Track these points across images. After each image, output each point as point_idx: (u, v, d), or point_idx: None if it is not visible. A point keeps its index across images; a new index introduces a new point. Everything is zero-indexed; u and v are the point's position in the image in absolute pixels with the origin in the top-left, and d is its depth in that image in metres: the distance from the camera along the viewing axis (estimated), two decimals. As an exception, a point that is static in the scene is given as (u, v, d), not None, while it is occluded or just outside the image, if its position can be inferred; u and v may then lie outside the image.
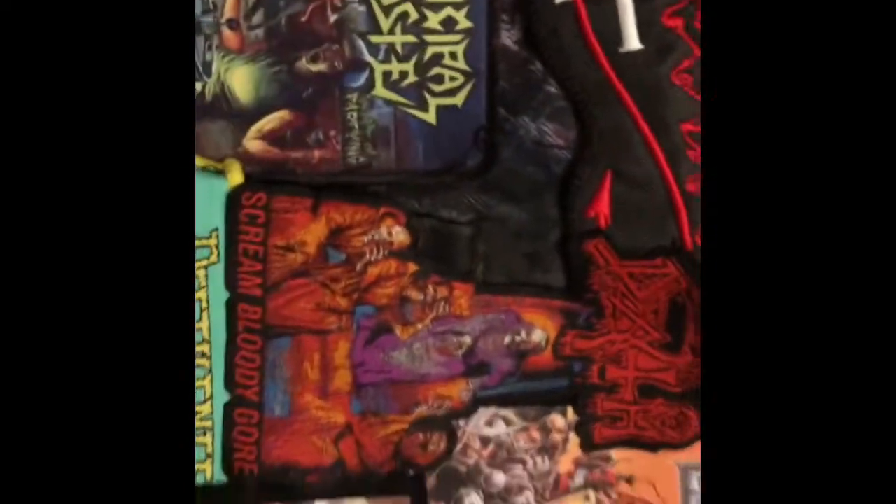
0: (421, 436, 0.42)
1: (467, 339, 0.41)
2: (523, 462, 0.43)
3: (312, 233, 0.39)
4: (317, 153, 0.39)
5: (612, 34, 0.38)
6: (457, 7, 0.38)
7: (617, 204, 0.40)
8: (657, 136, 0.39)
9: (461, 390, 0.42)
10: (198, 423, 0.40)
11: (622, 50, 0.38)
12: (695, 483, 0.44)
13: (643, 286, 0.41)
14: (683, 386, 0.42)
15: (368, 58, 0.38)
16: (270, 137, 0.39)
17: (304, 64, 0.38)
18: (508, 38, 0.39)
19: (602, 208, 0.40)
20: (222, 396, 0.40)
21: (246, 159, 0.39)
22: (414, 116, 0.40)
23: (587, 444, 0.43)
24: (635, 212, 0.40)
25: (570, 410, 0.43)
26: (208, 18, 0.37)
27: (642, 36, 0.38)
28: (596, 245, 0.41)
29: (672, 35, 0.38)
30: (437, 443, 0.42)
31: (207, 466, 0.40)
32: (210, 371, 0.39)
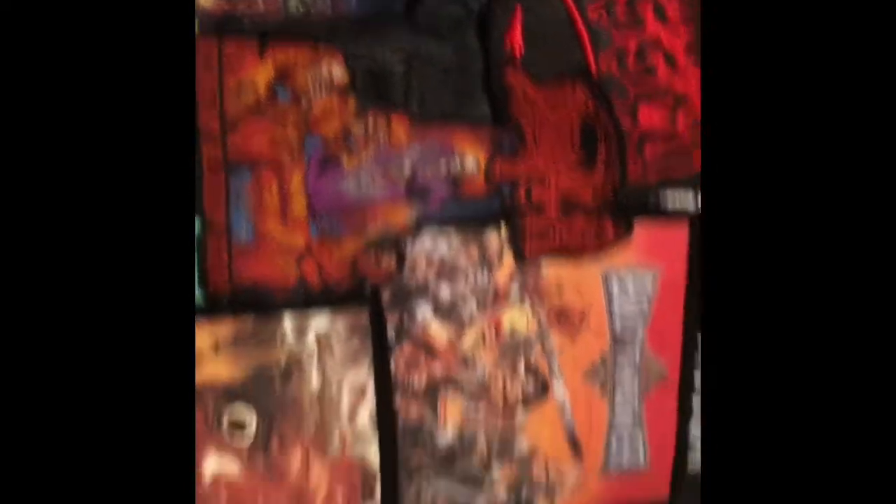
0: (374, 254, 0.45)
1: (407, 167, 0.45)
2: (465, 276, 0.47)
3: (261, 73, 0.44)
4: (261, 4, 0.42)
5: None
6: None
7: (528, 34, 0.44)
8: None
9: (406, 214, 0.45)
10: None
11: None
12: (616, 288, 0.49)
13: (556, 110, 0.45)
14: (599, 200, 0.46)
15: None
16: None
17: None
18: None
19: (516, 39, 0.44)
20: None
21: (200, 14, 0.42)
22: (346, -31, 0.44)
23: (520, 257, 0.47)
24: (544, 41, 0.44)
25: (503, 228, 0.46)
26: None
27: None
28: (514, 74, 0.46)
29: None
30: (389, 260, 0.45)
31: None
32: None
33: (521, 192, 0.46)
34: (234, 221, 0.44)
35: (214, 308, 0.44)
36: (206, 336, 0.44)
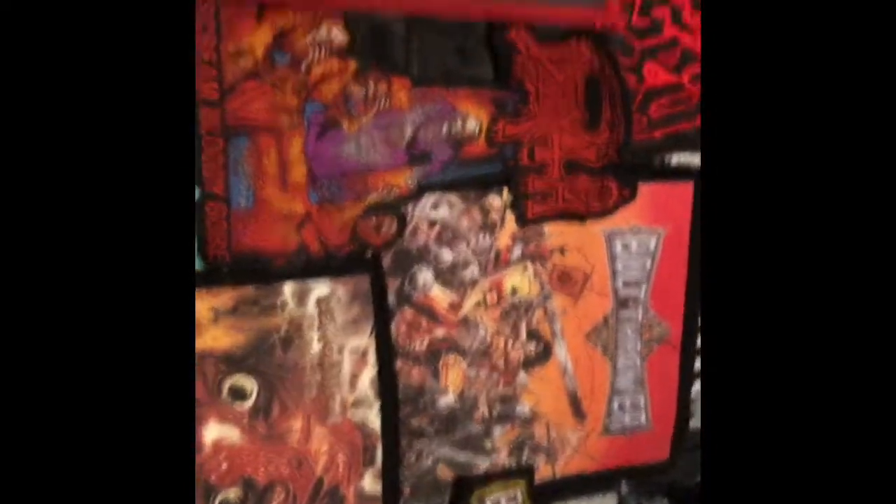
0: (374, 220, 0.44)
1: (409, 130, 0.44)
2: (467, 240, 0.46)
3: (259, 37, 0.42)
4: None
5: None
6: None
7: None
8: None
9: (407, 178, 0.44)
10: None
11: None
12: (619, 248, 0.48)
13: (561, 69, 0.43)
14: (603, 161, 0.45)
15: None
16: None
17: None
18: None
19: None
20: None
21: None
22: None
23: (522, 220, 0.46)
24: None
25: (505, 191, 0.45)
26: None
27: None
28: (517, 32, 0.44)
29: None
30: (389, 225, 0.45)
31: None
32: None
33: (524, 153, 0.45)
34: (232, 188, 0.43)
35: (214, 276, 0.43)
36: (205, 304, 0.43)
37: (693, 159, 0.46)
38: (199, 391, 0.43)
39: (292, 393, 0.45)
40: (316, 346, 0.46)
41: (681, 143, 0.45)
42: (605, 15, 0.40)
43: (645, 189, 0.46)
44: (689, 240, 0.47)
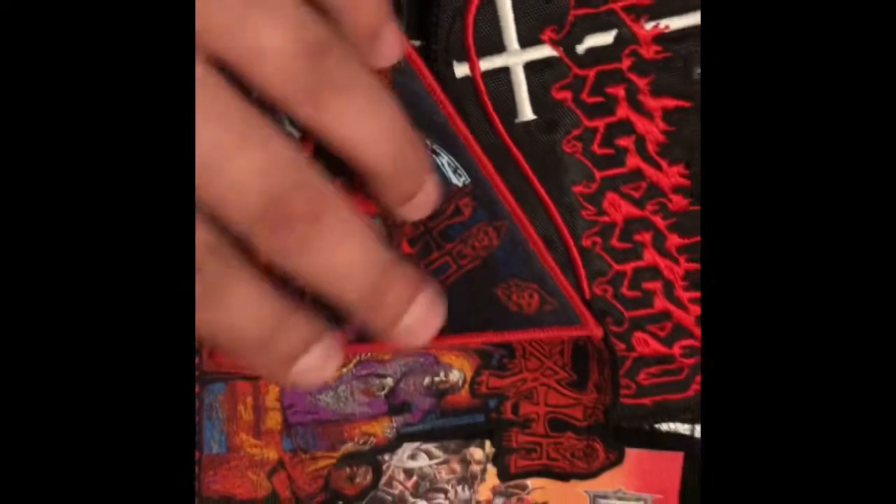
0: (348, 469, 0.43)
1: (389, 381, 0.43)
2: (445, 491, 0.44)
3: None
4: None
5: (508, 105, 0.39)
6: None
7: None
8: (552, 197, 0.39)
9: (385, 427, 0.43)
10: None
11: (517, 120, 0.40)
12: None
13: None
14: (589, 420, 0.43)
15: None
16: None
17: None
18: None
19: None
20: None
21: None
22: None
23: (504, 474, 0.44)
24: None
25: (487, 443, 0.44)
26: None
27: (534, 107, 0.40)
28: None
29: (562, 107, 0.40)
30: (364, 475, 0.43)
31: None
32: None
33: (508, 407, 0.44)
34: (206, 433, 0.43)
35: (180, 525, 0.42)
36: (167, 556, 0.42)
37: (683, 428, 0.44)
38: None
39: None
40: None
41: (671, 413, 0.43)
42: (584, 328, 0.40)
43: (632, 454, 0.44)
44: (678, 510, 0.45)
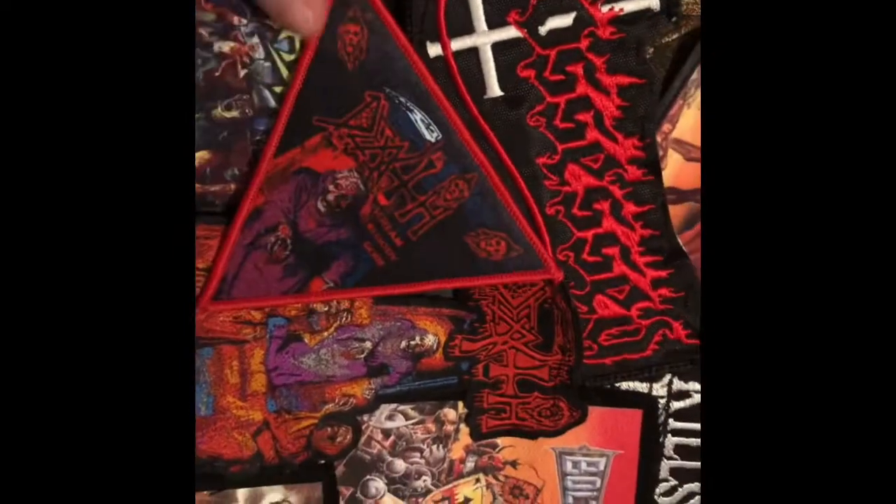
0: (329, 429, 0.45)
1: (368, 345, 0.44)
2: (420, 450, 0.46)
3: (228, 256, 0.44)
4: (232, 186, 0.43)
5: (478, 83, 0.42)
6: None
7: None
8: (518, 167, 0.42)
9: (364, 389, 0.45)
10: None
11: (486, 97, 0.42)
12: (569, 466, 0.48)
13: (516, 294, 0.44)
14: (555, 381, 0.45)
15: (273, 104, 0.42)
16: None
17: (219, 112, 0.42)
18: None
19: None
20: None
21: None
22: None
23: (476, 434, 0.46)
24: None
25: (460, 404, 0.46)
26: None
27: (501, 84, 0.42)
28: (476, 261, 0.46)
29: (526, 84, 0.43)
30: (344, 435, 0.45)
31: None
32: None
33: (480, 369, 0.46)
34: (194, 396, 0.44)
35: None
36: (158, 512, 0.43)
37: (641, 387, 0.47)
38: None
39: None
40: (263, 555, 0.46)
41: (630, 372, 0.46)
42: (546, 272, 0.43)
43: (595, 412, 0.47)
44: (638, 464, 0.47)
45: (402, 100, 0.40)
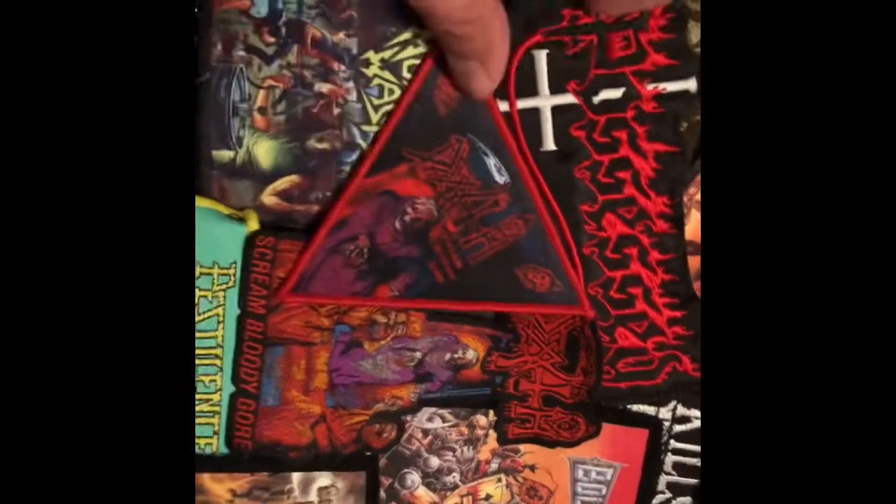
0: (377, 426, 0.50)
1: (418, 355, 0.50)
2: (453, 450, 0.51)
3: (307, 270, 0.50)
4: (315, 208, 0.48)
5: (536, 137, 0.47)
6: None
7: None
8: (564, 212, 0.47)
9: (410, 393, 0.50)
10: (208, 408, 0.49)
11: (542, 149, 0.48)
12: (580, 473, 0.55)
13: (549, 320, 0.49)
14: (575, 399, 0.51)
15: (360, 141, 0.47)
16: (282, 195, 0.47)
17: (312, 143, 0.47)
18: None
19: None
20: (229, 388, 0.48)
21: (262, 210, 0.47)
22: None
23: (502, 439, 0.51)
24: None
25: (491, 413, 0.51)
26: (244, 105, 0.47)
27: (556, 140, 0.47)
28: (515, 289, 0.52)
29: (577, 142, 0.48)
30: (390, 432, 0.50)
31: (214, 441, 0.49)
32: (221, 369, 0.48)
33: (511, 383, 0.52)
34: (263, 388, 0.50)
35: (236, 462, 0.50)
36: (224, 486, 0.49)
37: (649, 410, 0.54)
38: (208, 563, 0.49)
39: (288, 569, 0.51)
40: (313, 531, 0.52)
41: (641, 397, 0.53)
42: (581, 309, 0.48)
43: (607, 428, 0.53)
44: (640, 477, 0.54)
45: (481, 145, 0.46)
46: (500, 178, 0.47)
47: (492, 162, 0.47)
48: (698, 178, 0.49)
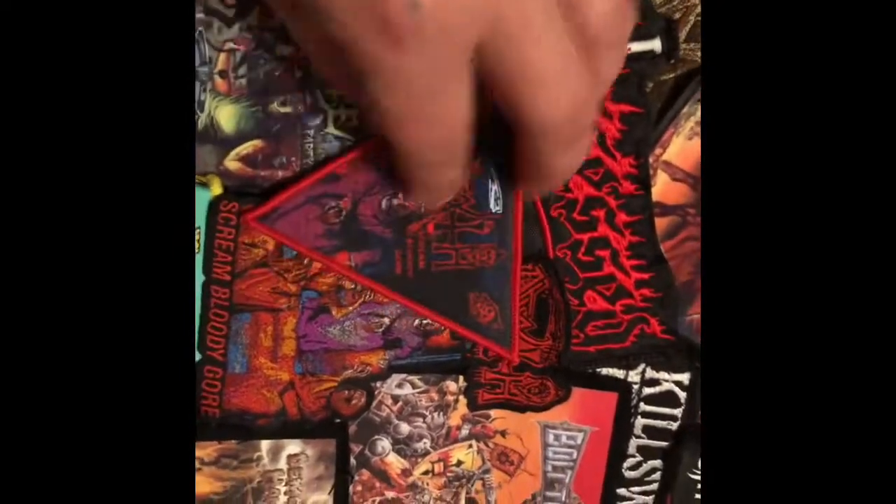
0: (346, 392, 0.49)
1: (386, 321, 0.49)
2: (423, 416, 0.51)
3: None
4: (280, 173, 0.47)
5: None
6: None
7: None
8: None
9: (379, 359, 0.49)
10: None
11: None
12: (551, 438, 0.54)
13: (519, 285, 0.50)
14: (545, 363, 0.50)
15: (324, 105, 0.46)
16: (245, 160, 0.46)
17: (275, 106, 0.46)
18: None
19: None
20: (195, 356, 0.48)
21: (226, 176, 0.46)
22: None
23: (472, 405, 0.51)
24: None
25: (461, 378, 0.51)
26: (204, 69, 0.46)
27: None
28: (484, 255, 0.52)
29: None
30: (359, 398, 0.50)
31: None
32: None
33: (480, 349, 0.52)
34: (230, 355, 0.49)
35: (204, 430, 0.49)
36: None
37: (619, 373, 0.54)
38: (176, 532, 0.48)
39: (256, 537, 0.50)
40: (282, 499, 0.51)
41: (610, 360, 0.52)
42: (508, 353, 0.49)
43: (577, 392, 0.53)
44: (611, 441, 0.54)
45: (491, 169, 0.47)
46: (495, 207, 0.47)
47: (494, 188, 0.47)
48: (663, 138, 0.49)
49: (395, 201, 0.47)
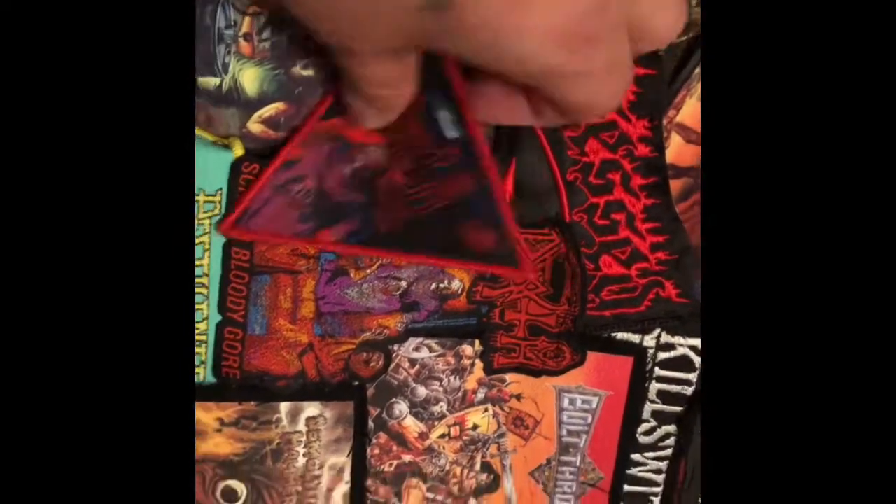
0: (365, 355, 0.49)
1: (403, 284, 0.49)
2: (440, 380, 0.51)
3: (290, 197, 0.49)
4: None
5: None
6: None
7: (518, 185, 0.49)
8: (547, 137, 0.47)
9: (397, 322, 0.49)
10: (195, 337, 0.50)
11: None
12: (566, 402, 0.55)
13: (535, 249, 0.49)
14: (560, 328, 0.50)
15: None
16: (268, 122, 0.46)
17: (297, 70, 0.47)
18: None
19: (508, 187, 0.52)
20: (216, 317, 0.47)
21: (248, 138, 0.46)
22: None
23: (488, 369, 0.51)
24: (530, 191, 0.49)
25: (477, 342, 0.50)
26: (229, 31, 0.47)
27: None
28: (501, 216, 0.52)
29: None
30: (377, 361, 0.50)
31: (201, 370, 0.48)
32: (207, 298, 0.47)
33: (496, 313, 0.52)
34: (250, 317, 0.50)
35: (224, 391, 0.49)
36: (213, 415, 0.49)
37: (634, 338, 0.54)
38: (197, 491, 0.49)
39: (275, 500, 0.51)
40: (301, 461, 0.51)
41: (626, 324, 0.53)
42: (521, 271, 0.47)
43: (592, 357, 0.53)
44: (625, 405, 0.54)
45: (437, 100, 0.44)
46: (450, 133, 0.45)
47: (445, 116, 0.45)
48: (677, 100, 0.50)
49: (357, 164, 0.47)
